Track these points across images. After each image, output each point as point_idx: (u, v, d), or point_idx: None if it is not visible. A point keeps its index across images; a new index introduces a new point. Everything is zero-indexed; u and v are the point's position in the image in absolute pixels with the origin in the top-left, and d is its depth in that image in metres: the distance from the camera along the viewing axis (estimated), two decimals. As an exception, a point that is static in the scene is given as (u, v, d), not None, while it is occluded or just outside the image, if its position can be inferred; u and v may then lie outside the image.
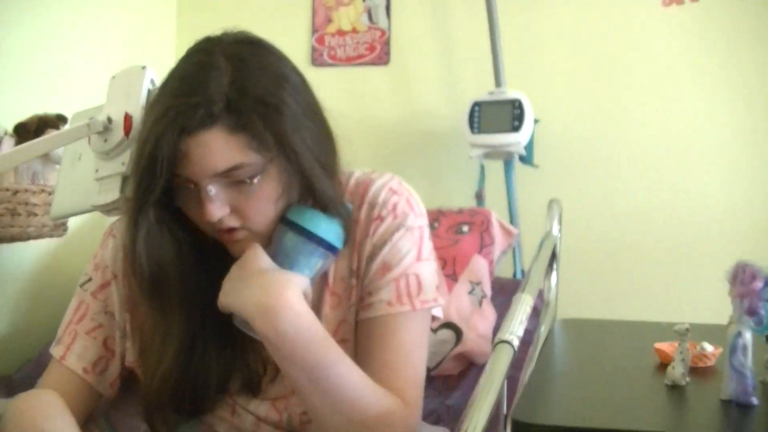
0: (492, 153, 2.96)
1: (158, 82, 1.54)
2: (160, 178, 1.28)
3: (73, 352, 1.49)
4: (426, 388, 1.48)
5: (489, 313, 2.36)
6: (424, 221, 1.50)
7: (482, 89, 2.98)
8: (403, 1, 3.37)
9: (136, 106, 1.50)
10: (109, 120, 1.48)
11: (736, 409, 1.39)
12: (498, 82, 3.01)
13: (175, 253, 1.40)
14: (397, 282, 1.43)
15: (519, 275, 2.99)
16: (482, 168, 3.06)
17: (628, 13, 3.12)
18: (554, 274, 2.35)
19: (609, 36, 3.15)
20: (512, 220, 2.99)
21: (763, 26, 2.97)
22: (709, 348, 1.69)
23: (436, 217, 2.57)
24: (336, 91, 3.22)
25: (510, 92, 2.93)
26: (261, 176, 1.31)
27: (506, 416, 1.41)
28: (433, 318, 1.54)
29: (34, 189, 2.13)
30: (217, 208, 1.31)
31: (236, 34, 1.37)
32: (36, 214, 2.15)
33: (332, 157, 1.42)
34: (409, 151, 3.32)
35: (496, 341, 1.38)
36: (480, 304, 2.35)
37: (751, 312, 1.39)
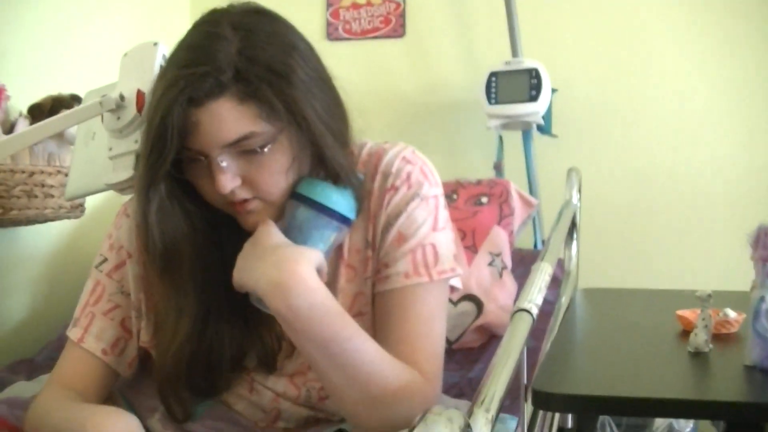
0: (510, 123, 2.94)
1: (170, 58, 1.53)
2: (170, 150, 1.27)
3: (91, 334, 1.48)
4: (447, 362, 1.47)
5: (509, 284, 2.35)
6: (439, 190, 1.48)
7: (499, 59, 2.96)
8: (418, -27, 3.34)
9: (149, 82, 1.48)
10: (122, 97, 1.47)
11: (760, 374, 1.37)
12: (514, 52, 2.99)
13: (188, 227, 1.39)
14: (413, 253, 1.42)
15: (539, 246, 2.98)
16: (500, 139, 3.04)
17: (644, -22, 3.09)
18: (574, 243, 2.34)
19: (625, 3, 3.11)
20: (531, 191, 2.98)
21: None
22: (732, 314, 1.67)
23: (454, 189, 2.55)
24: (352, 65, 3.20)
25: (527, 62, 2.90)
26: (272, 145, 1.30)
27: (527, 386, 1.39)
28: (453, 289, 1.53)
29: (50, 170, 2.13)
30: (229, 180, 1.30)
31: (243, 4, 1.36)
32: (53, 196, 2.15)
33: (343, 125, 1.41)
34: (427, 123, 3.31)
35: (514, 310, 1.37)
36: (500, 275, 2.33)
37: (775, 276, 1.37)
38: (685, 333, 1.62)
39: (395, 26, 3.34)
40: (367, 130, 1.45)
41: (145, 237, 1.38)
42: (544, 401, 1.32)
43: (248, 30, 1.29)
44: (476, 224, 2.42)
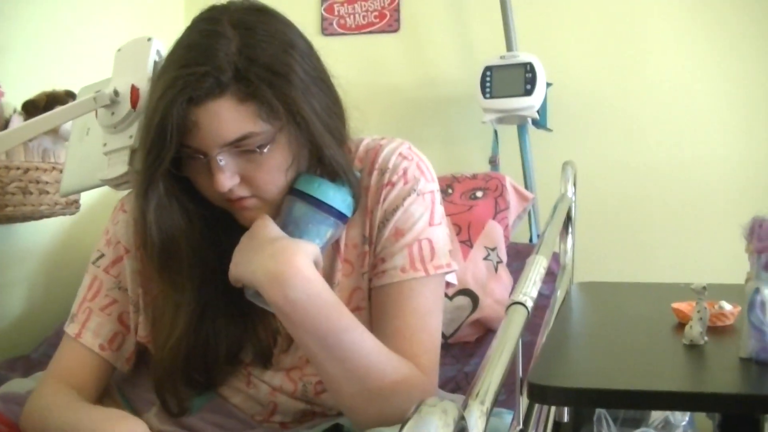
0: (505, 118, 2.94)
1: (165, 54, 1.53)
2: (169, 149, 1.27)
3: (89, 330, 1.49)
4: (443, 356, 1.48)
5: (505, 278, 2.35)
6: (435, 186, 1.49)
7: (494, 53, 2.95)
8: (412, -33, 3.34)
9: (143, 78, 1.48)
10: (116, 93, 1.47)
11: (756, 366, 1.37)
12: (509, 46, 2.99)
13: (186, 224, 1.39)
14: (410, 248, 1.42)
15: (535, 240, 2.97)
16: (496, 133, 3.04)
17: (639, -28, 3.09)
18: (570, 237, 2.34)
19: (621, -4, 3.12)
20: (527, 185, 2.97)
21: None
22: (727, 307, 1.67)
23: (450, 183, 2.56)
24: (347, 59, 3.16)
25: (522, 56, 2.90)
26: (271, 145, 1.30)
27: (522, 380, 1.40)
28: (449, 284, 1.53)
29: (45, 167, 2.12)
30: (227, 179, 1.30)
31: (242, 1, 1.36)
32: (48, 192, 2.14)
33: (341, 124, 1.41)
34: (422, 117, 3.30)
35: (509, 303, 1.37)
36: (496, 269, 2.34)
37: (769, 267, 1.37)
38: (681, 326, 1.62)
39: (390, 21, 3.34)
40: (362, 125, 1.45)
41: (143, 234, 1.38)
42: (540, 394, 1.32)
43: (248, 28, 1.29)
44: (472, 218, 2.42)
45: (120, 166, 1.46)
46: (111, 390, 1.54)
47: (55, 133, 2.12)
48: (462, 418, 0.82)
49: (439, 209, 1.48)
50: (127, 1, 2.99)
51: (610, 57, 3.12)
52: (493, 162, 3.01)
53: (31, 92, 2.19)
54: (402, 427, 0.78)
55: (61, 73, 2.51)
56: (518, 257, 2.49)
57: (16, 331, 2.42)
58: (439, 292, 1.46)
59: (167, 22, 3.21)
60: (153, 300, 1.48)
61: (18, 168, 2.04)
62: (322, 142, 1.34)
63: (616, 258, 3.07)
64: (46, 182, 2.12)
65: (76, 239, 2.62)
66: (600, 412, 2.59)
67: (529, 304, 1.36)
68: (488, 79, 2.89)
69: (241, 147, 1.29)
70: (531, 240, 2.97)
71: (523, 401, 1.47)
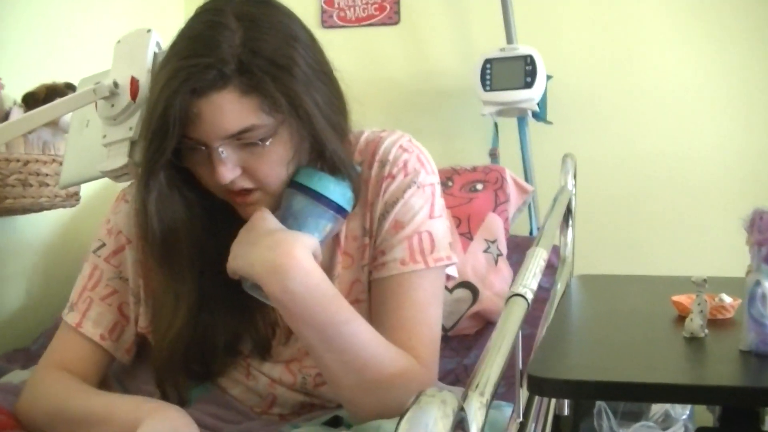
0: (505, 110, 2.93)
1: (164, 46, 1.53)
2: (171, 140, 1.28)
3: (89, 319, 1.49)
4: (443, 348, 1.48)
5: (505, 271, 2.35)
6: (435, 178, 1.49)
7: (493, 46, 2.95)
8: (412, -40, 3.34)
9: (142, 69, 1.49)
10: (116, 84, 1.47)
11: (756, 359, 1.37)
12: (509, 39, 2.98)
13: (187, 215, 1.40)
14: (409, 240, 1.42)
15: (535, 233, 2.97)
16: (495, 126, 3.03)
17: (639, -35, 3.08)
18: (570, 230, 2.34)
19: (620, -11, 3.11)
20: (527, 178, 2.97)
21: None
22: (727, 299, 1.67)
23: (449, 176, 2.55)
24: (347, 52, 3.16)
25: (522, 48, 2.89)
26: (273, 138, 1.30)
27: (522, 372, 1.39)
28: (449, 277, 1.54)
29: (44, 159, 2.12)
30: (229, 170, 1.30)
31: None
32: (48, 185, 2.14)
33: (343, 118, 1.42)
34: (422, 110, 3.30)
35: (508, 295, 1.36)
36: (496, 262, 2.34)
37: (770, 260, 1.37)
38: (681, 318, 1.62)
39: (390, 13, 3.33)
40: (361, 117, 1.46)
41: (144, 226, 1.39)
42: (540, 386, 1.32)
43: (251, 20, 1.29)
44: (471, 211, 2.42)
45: (120, 158, 1.46)
46: (109, 381, 1.54)
47: (54, 125, 2.12)
48: (461, 408, 0.82)
49: (440, 202, 1.48)
50: (126, -8, 2.98)
51: (610, 50, 3.11)
52: (493, 154, 3.01)
53: (31, 84, 2.19)
54: (401, 418, 0.78)
55: (60, 65, 2.51)
56: (518, 250, 2.49)
57: (16, 324, 2.42)
58: (438, 285, 1.47)
59: (167, 14, 3.20)
60: (154, 291, 1.48)
61: (18, 160, 2.04)
62: (324, 136, 1.34)
63: (617, 251, 3.07)
64: (46, 174, 2.12)
65: (76, 232, 2.62)
66: (600, 405, 2.59)
67: (529, 296, 1.36)
68: (488, 71, 2.88)
69: (243, 139, 1.29)
70: (531, 233, 2.97)
71: (523, 394, 1.47)
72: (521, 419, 1.48)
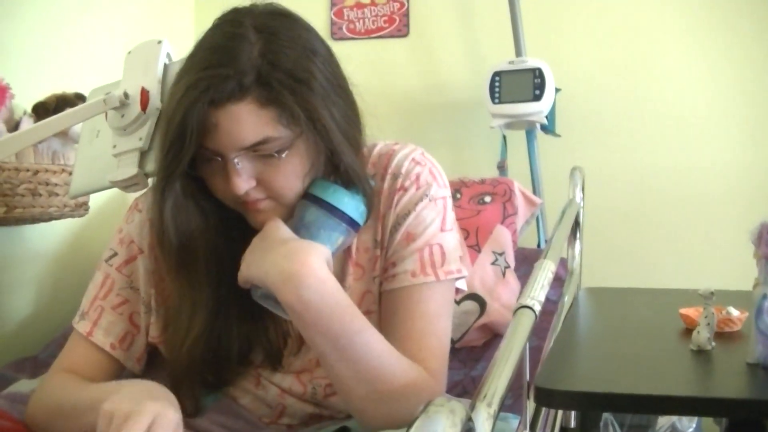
0: (513, 123, 2.94)
1: (175, 57, 1.54)
2: (188, 150, 1.28)
3: (100, 328, 1.49)
4: (450, 360, 1.48)
5: (513, 283, 2.35)
6: (447, 192, 1.50)
7: (502, 59, 2.95)
8: (421, -28, 3.34)
9: (153, 80, 1.50)
10: (126, 95, 1.48)
11: (763, 372, 1.37)
12: (518, 52, 2.99)
13: (202, 224, 1.41)
14: (420, 252, 1.43)
15: (542, 245, 2.97)
16: (504, 138, 3.03)
17: (648, -22, 3.09)
18: (578, 242, 2.34)
19: (629, 2, 3.11)
20: (535, 190, 2.97)
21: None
22: (735, 312, 1.67)
23: (458, 188, 2.56)
24: (356, 64, 3.13)
25: (530, 61, 2.89)
26: (289, 151, 1.31)
27: (529, 384, 1.40)
28: (457, 290, 1.54)
29: (54, 168, 2.13)
30: (244, 181, 1.31)
31: (266, 5, 1.37)
32: (57, 194, 2.15)
33: (358, 132, 1.42)
34: (431, 122, 3.30)
35: (516, 306, 1.37)
36: (504, 274, 2.34)
37: (777, 273, 1.37)
38: (688, 331, 1.62)
39: (399, 26, 3.34)
40: (370, 129, 1.46)
41: (160, 234, 1.40)
42: (547, 397, 1.32)
43: (271, 33, 1.29)
44: (480, 223, 2.42)
45: (129, 168, 1.47)
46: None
47: (64, 135, 2.13)
48: (469, 419, 0.83)
49: (451, 215, 1.49)
50: (136, 2, 2.99)
51: (618, 63, 3.12)
52: (502, 167, 3.01)
53: (41, 94, 2.19)
54: (410, 427, 0.78)
55: (71, 75, 2.52)
56: (526, 262, 2.49)
57: (24, 332, 2.42)
58: (448, 297, 1.47)
59: (177, 25, 3.21)
60: (165, 301, 1.48)
61: (27, 170, 2.05)
62: (340, 150, 1.34)
63: (624, 263, 3.07)
64: (56, 184, 2.13)
65: (85, 241, 2.63)
66: (607, 417, 2.58)
67: (537, 307, 1.36)
68: (497, 84, 2.89)
69: (259, 151, 1.30)
70: (539, 245, 2.97)
71: (530, 405, 1.47)
72: (528, 431, 1.49)
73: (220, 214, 1.42)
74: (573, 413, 2.09)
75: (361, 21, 3.38)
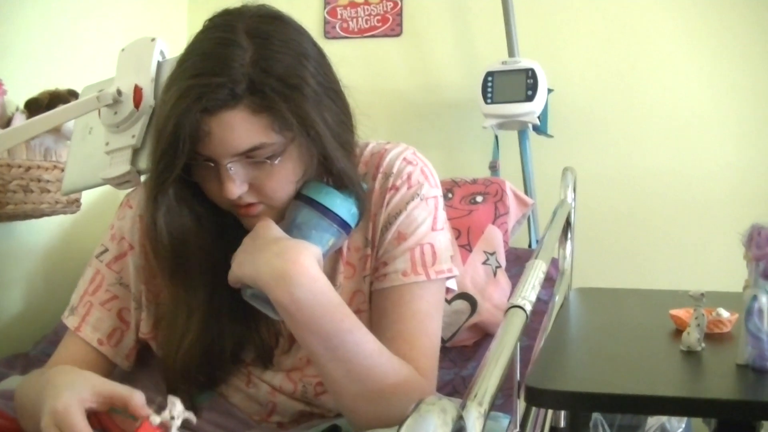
0: (506, 123, 2.94)
1: (168, 55, 1.54)
2: (180, 158, 1.28)
3: (88, 324, 1.49)
4: (441, 359, 1.48)
5: (504, 283, 2.35)
6: (438, 191, 1.50)
7: (495, 59, 2.96)
8: (415, -28, 3.35)
9: (146, 78, 1.50)
10: (119, 92, 1.48)
11: (753, 373, 1.38)
12: (511, 52, 2.99)
13: (196, 228, 1.40)
14: (412, 251, 1.43)
15: (534, 245, 2.97)
16: (496, 138, 3.04)
17: (641, -21, 3.10)
18: (569, 243, 2.34)
19: (623, 3, 3.12)
20: (527, 191, 2.98)
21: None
22: (725, 314, 1.67)
23: (450, 188, 2.56)
24: (349, 63, 3.13)
25: (523, 61, 2.90)
26: (282, 156, 1.31)
27: (520, 383, 1.40)
28: (448, 290, 1.54)
29: (46, 165, 2.13)
30: (237, 187, 1.31)
31: (258, 7, 1.36)
32: (49, 191, 2.15)
33: (351, 134, 1.42)
34: (423, 122, 3.31)
35: (507, 306, 1.37)
36: (495, 274, 2.34)
37: (767, 275, 1.37)
38: (678, 332, 1.62)
39: (392, 25, 3.34)
40: (363, 128, 1.46)
41: (153, 239, 1.39)
42: (537, 397, 1.32)
43: (263, 38, 1.29)
44: (471, 223, 2.42)
45: (122, 166, 1.47)
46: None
47: (57, 131, 2.13)
48: (460, 417, 0.83)
49: (442, 215, 1.49)
50: (130, 0, 2.99)
51: (611, 64, 3.12)
52: (494, 167, 3.01)
53: (34, 91, 2.19)
54: (401, 425, 0.79)
55: (64, 71, 2.52)
56: (517, 262, 2.50)
57: (16, 329, 2.42)
58: (439, 297, 1.47)
59: (171, 22, 3.20)
60: (156, 298, 1.49)
61: (20, 166, 2.05)
62: (333, 155, 1.34)
63: (615, 264, 3.08)
64: (48, 181, 2.13)
65: (77, 238, 2.63)
66: (596, 417, 2.59)
67: (528, 307, 1.37)
68: (489, 84, 2.89)
69: (253, 157, 1.30)
70: (530, 245, 2.97)
71: (521, 405, 1.48)
72: (518, 430, 1.49)
73: (215, 216, 1.42)
74: (563, 413, 2.09)
75: (355, 20, 3.38)
